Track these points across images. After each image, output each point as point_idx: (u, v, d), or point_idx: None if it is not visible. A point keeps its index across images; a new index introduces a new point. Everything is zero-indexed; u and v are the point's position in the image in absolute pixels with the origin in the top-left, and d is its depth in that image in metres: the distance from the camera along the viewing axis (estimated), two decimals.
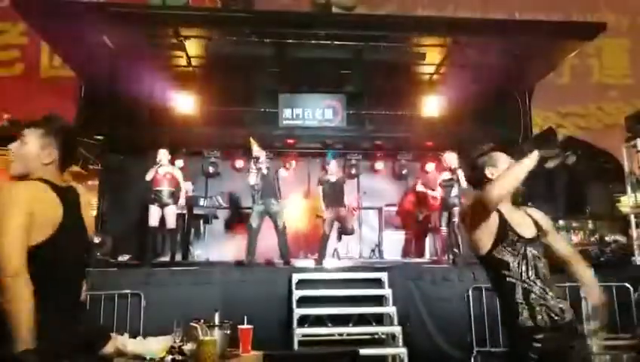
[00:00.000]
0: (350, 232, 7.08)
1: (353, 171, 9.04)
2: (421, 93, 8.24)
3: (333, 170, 6.86)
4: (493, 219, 2.02)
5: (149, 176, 6.30)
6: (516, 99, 8.48)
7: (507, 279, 1.99)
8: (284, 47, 7.16)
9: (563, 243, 2.22)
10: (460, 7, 10.69)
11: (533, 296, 1.96)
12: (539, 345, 1.89)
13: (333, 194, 6.61)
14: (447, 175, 6.61)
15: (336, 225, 6.83)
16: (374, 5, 10.30)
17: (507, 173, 1.99)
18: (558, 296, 1.99)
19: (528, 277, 1.98)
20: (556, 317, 1.93)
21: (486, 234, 2.02)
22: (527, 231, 2.06)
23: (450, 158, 6.58)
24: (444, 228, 6.58)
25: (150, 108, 7.71)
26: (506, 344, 2.07)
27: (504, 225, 2.02)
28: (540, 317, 1.93)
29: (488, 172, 2.14)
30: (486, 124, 7.70)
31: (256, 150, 6.37)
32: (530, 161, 1.95)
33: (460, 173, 6.33)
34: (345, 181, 6.99)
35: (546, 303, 1.95)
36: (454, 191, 6.46)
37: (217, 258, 7.68)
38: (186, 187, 7.79)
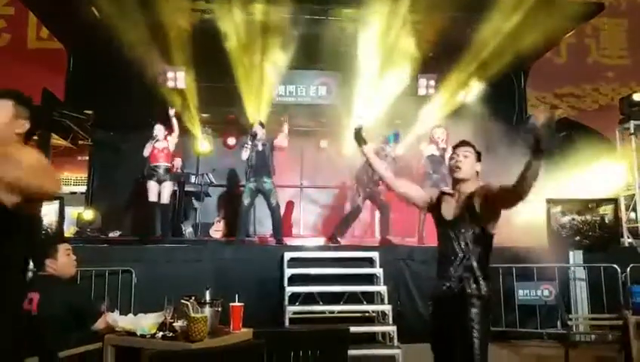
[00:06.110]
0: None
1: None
2: (415, 70, 8.14)
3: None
4: None
5: (146, 152, 6.19)
6: (511, 78, 8.41)
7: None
8: (279, 22, 7.02)
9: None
10: None
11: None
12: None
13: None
14: (433, 149, 6.45)
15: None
16: None
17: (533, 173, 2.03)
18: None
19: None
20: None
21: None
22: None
23: (440, 133, 6.47)
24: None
25: (140, 82, 7.56)
26: None
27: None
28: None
29: None
30: (481, 102, 7.64)
31: (257, 126, 6.21)
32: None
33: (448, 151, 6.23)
34: None
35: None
36: (443, 168, 6.35)
37: (209, 235, 7.65)
38: (176, 163, 7.71)
